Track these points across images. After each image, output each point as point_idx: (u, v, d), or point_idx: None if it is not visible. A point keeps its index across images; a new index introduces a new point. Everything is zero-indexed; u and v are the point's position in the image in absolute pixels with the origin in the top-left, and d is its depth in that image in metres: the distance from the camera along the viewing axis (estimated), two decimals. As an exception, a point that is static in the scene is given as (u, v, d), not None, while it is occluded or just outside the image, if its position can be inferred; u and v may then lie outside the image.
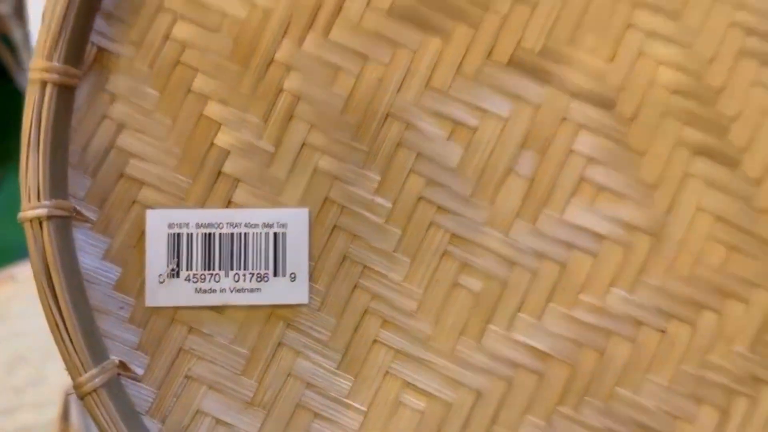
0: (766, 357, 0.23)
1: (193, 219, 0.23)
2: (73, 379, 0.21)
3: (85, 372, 0.21)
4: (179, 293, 0.23)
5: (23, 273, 0.75)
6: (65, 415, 0.42)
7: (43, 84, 0.21)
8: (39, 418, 0.66)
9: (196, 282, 0.23)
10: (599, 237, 0.23)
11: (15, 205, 0.21)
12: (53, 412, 0.55)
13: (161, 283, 0.23)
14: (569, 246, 0.23)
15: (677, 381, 0.23)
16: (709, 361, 0.23)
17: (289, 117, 0.23)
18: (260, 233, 0.23)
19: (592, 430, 0.23)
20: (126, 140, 0.23)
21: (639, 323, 0.23)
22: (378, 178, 0.23)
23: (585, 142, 0.23)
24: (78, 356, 0.21)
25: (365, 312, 0.23)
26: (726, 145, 0.23)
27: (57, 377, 0.67)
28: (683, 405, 0.23)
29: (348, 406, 0.23)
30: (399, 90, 0.23)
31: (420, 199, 0.23)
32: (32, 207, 0.21)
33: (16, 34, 0.67)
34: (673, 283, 0.23)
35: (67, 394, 0.35)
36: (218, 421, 0.23)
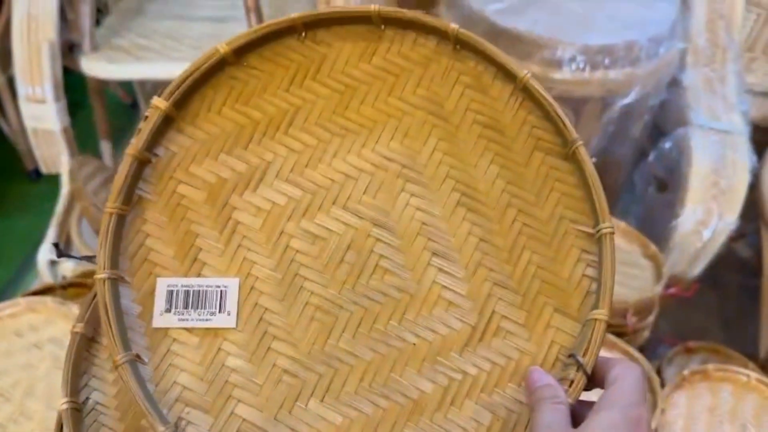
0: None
1: (180, 283, 0.46)
2: (113, 357, 0.42)
3: (118, 355, 0.43)
4: (170, 320, 0.45)
5: (4, 311, 0.84)
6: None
7: (110, 215, 0.45)
8: (20, 451, 0.77)
9: (179, 315, 0.45)
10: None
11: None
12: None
13: (161, 315, 0.45)
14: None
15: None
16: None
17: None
18: (213, 290, 0.46)
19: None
20: (149, 242, 0.46)
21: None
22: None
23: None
24: (116, 346, 0.43)
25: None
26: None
27: (38, 414, 0.78)
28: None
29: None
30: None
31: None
32: (100, 273, 0.44)
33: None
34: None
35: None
36: (184, 388, 0.44)
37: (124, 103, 1.86)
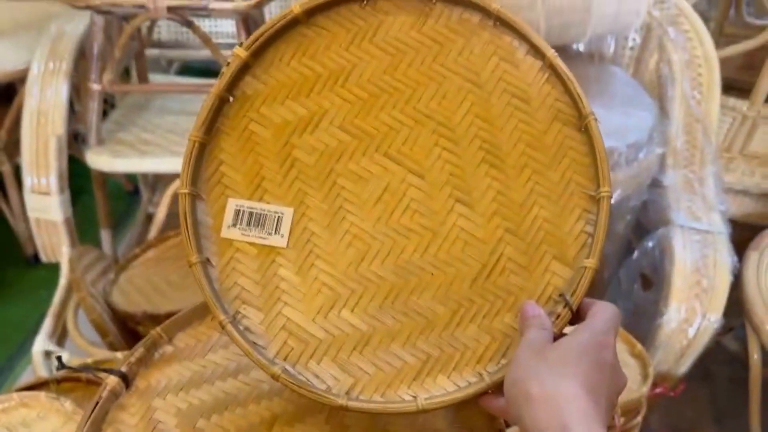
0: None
1: (246, 205, 0.55)
2: (188, 258, 0.53)
3: (193, 256, 0.53)
4: (235, 234, 0.55)
5: None
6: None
7: (194, 142, 0.54)
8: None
9: (243, 231, 0.55)
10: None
11: None
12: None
13: (228, 228, 0.55)
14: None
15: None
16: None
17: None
18: (272, 215, 0.55)
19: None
20: (223, 168, 0.56)
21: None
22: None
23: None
24: (192, 249, 0.53)
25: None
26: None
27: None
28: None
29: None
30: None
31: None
32: (183, 188, 0.54)
33: None
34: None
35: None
36: (243, 289, 0.54)
37: (125, 190, 1.90)
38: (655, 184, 1.19)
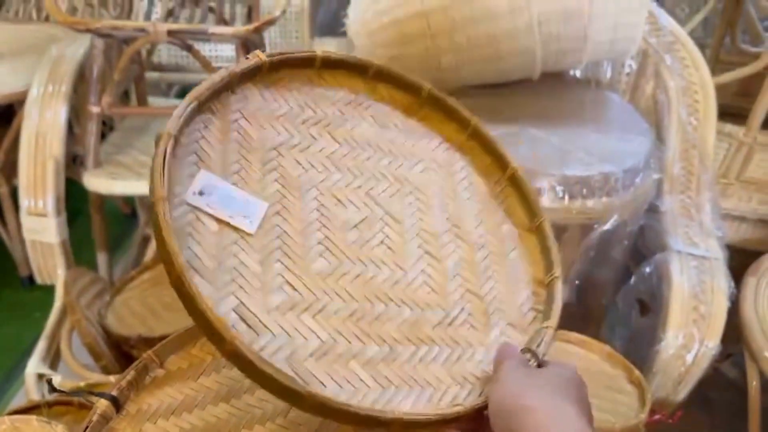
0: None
1: (218, 182, 0.55)
2: (154, 194, 0.46)
3: (161, 191, 0.52)
4: (200, 203, 0.54)
5: None
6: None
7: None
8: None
9: (209, 204, 0.55)
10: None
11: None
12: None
13: (194, 195, 0.49)
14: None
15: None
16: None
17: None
18: (245, 201, 0.55)
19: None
20: (202, 144, 0.56)
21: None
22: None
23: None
24: (162, 186, 0.49)
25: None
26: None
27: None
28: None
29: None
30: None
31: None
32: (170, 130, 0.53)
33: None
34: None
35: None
36: (195, 255, 0.47)
37: (122, 213, 1.88)
38: (653, 210, 1.19)
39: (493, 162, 0.65)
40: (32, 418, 0.78)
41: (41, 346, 1.11)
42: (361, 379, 0.48)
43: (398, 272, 0.55)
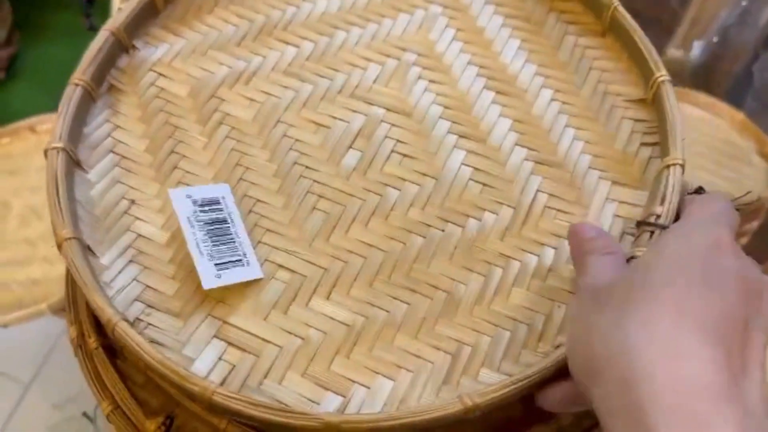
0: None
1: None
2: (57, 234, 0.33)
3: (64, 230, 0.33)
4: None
5: (43, 126, 0.71)
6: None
7: (75, 86, 0.37)
8: (49, 271, 0.64)
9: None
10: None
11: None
12: (62, 268, 0.53)
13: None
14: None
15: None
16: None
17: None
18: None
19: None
20: (117, 135, 0.39)
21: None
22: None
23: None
24: (63, 222, 0.33)
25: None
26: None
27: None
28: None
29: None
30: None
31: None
32: (55, 143, 0.35)
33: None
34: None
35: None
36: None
37: None
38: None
39: None
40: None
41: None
42: (414, 353, 0.32)
43: (428, 182, 0.37)
